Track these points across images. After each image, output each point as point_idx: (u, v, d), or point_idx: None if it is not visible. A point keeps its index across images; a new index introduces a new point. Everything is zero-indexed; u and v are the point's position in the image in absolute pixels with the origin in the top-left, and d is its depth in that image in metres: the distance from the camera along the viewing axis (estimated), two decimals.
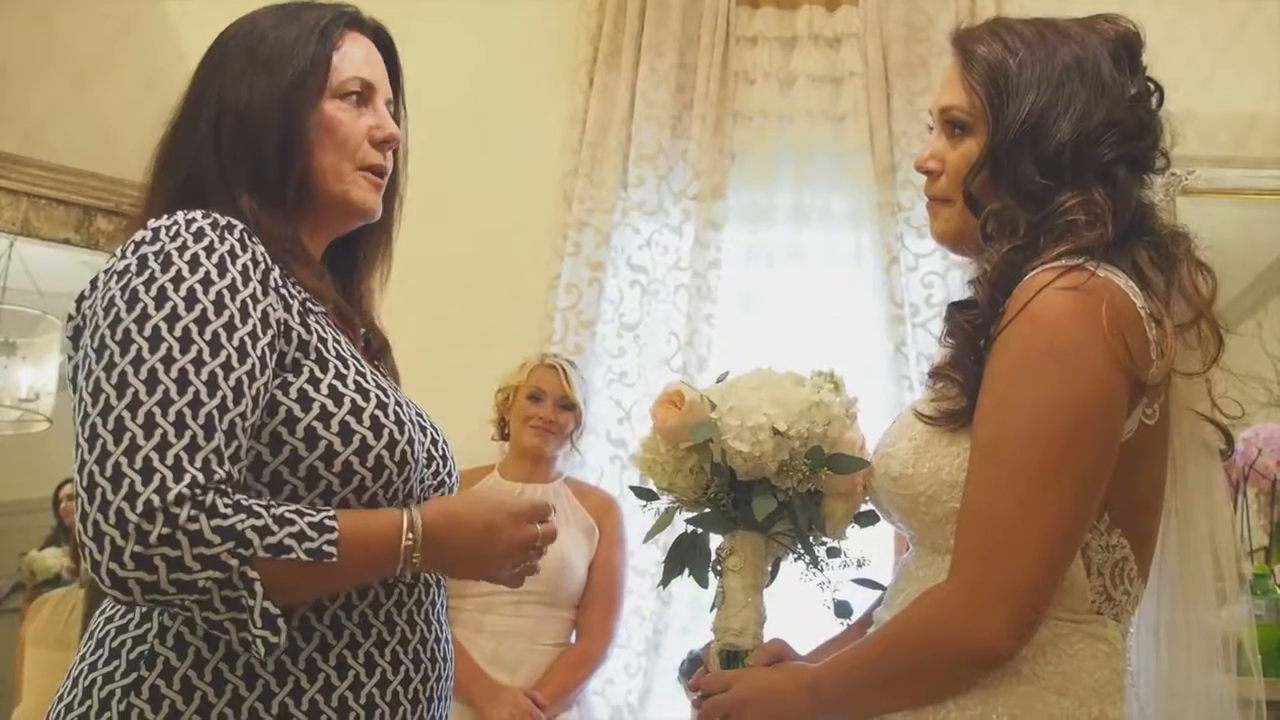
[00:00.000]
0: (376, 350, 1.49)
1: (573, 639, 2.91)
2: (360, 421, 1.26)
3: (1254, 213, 3.16)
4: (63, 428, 1.23)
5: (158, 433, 1.12)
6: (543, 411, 2.95)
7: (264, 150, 1.34)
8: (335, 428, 1.25)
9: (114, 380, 1.15)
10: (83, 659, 1.26)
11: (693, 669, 2.84)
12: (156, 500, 1.10)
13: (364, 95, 1.41)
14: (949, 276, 3.23)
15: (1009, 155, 1.36)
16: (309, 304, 1.31)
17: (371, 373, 1.34)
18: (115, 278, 1.22)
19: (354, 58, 1.41)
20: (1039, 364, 1.26)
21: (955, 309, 1.39)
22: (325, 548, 1.17)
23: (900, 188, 3.28)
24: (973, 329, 1.34)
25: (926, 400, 1.39)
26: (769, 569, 1.50)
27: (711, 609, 1.50)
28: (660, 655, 3.11)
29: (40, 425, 3.59)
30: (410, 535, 1.23)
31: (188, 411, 1.14)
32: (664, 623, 3.14)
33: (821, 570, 1.47)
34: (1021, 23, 1.43)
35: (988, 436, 1.29)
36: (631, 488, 1.54)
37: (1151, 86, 1.41)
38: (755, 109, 3.39)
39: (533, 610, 2.83)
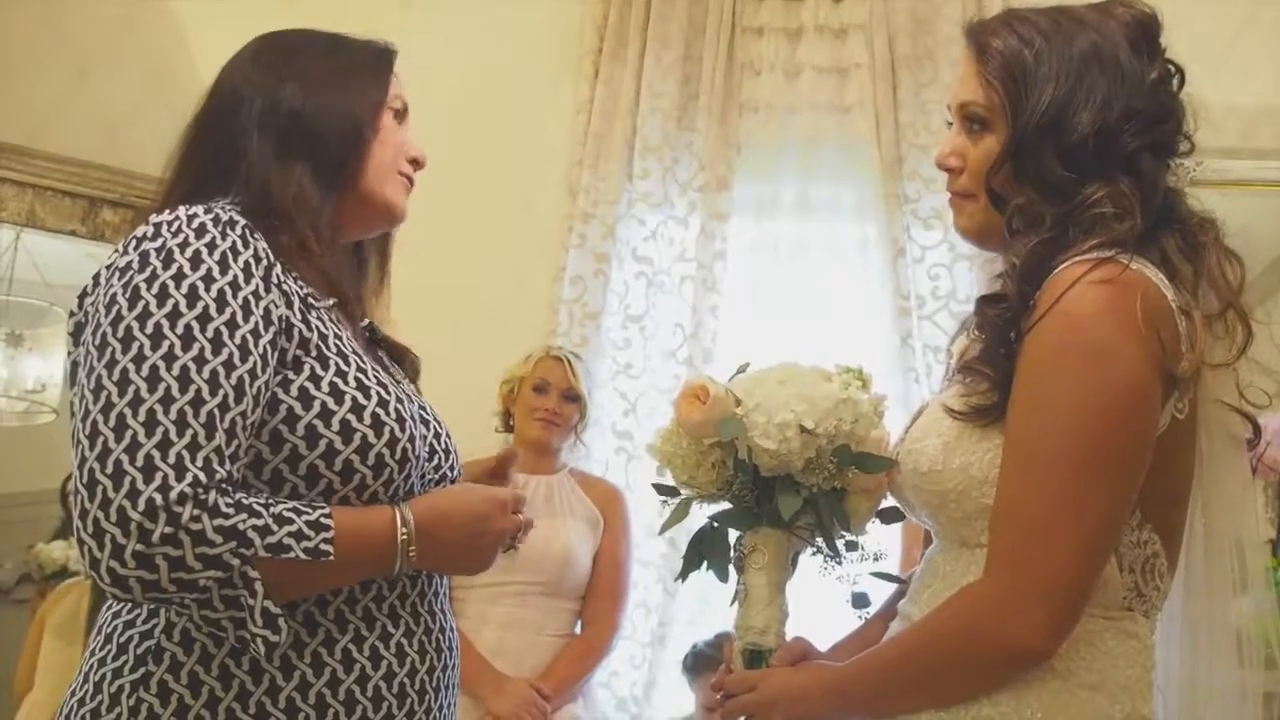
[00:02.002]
0: (382, 341, 1.49)
1: (578, 630, 2.92)
2: (361, 420, 1.26)
3: (1262, 203, 3.14)
4: (69, 420, 1.23)
5: (159, 430, 1.12)
6: (547, 403, 2.95)
7: (329, 134, 1.37)
8: (336, 426, 1.25)
9: (115, 377, 1.15)
10: (92, 654, 1.27)
11: (697, 663, 2.88)
12: (159, 499, 1.10)
13: (402, 114, 1.48)
14: (955, 269, 3.22)
15: (1030, 149, 1.34)
16: (310, 299, 1.31)
17: (373, 368, 1.33)
18: (117, 274, 1.22)
19: (398, 81, 1.48)
20: (1074, 359, 1.24)
21: (985, 302, 1.37)
22: (323, 546, 1.18)
23: (906, 179, 3.27)
24: (1003, 323, 1.32)
25: (956, 395, 1.36)
26: (790, 564, 1.48)
27: (731, 604, 1.49)
28: (665, 648, 3.12)
29: (47, 417, 3.59)
30: (405, 530, 1.25)
31: (189, 410, 1.14)
32: (669, 615, 3.14)
33: (841, 564, 1.46)
34: (1036, 12, 1.40)
35: (1022, 433, 1.27)
36: (654, 485, 1.51)
37: (1172, 69, 1.38)
38: (761, 100, 3.38)
39: (538, 601, 2.83)
